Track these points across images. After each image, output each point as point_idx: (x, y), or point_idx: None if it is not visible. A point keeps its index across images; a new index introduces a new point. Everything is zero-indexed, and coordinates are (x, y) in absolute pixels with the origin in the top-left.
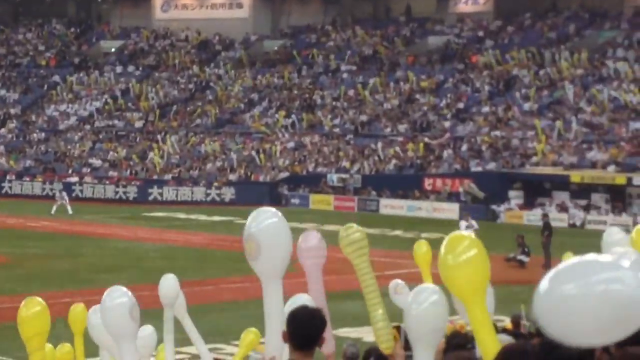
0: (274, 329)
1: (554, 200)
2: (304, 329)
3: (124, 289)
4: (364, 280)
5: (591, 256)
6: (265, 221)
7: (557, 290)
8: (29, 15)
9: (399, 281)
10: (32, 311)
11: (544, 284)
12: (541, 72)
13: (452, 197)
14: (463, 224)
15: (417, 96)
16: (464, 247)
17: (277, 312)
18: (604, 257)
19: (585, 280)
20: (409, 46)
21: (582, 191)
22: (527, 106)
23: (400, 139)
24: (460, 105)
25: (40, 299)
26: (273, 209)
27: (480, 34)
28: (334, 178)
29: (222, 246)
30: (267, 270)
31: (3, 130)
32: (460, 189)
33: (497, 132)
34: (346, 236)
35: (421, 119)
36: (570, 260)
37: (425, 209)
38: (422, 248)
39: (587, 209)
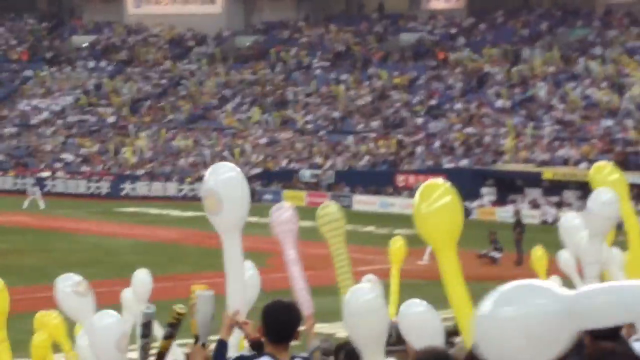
0: (235, 282)
1: (526, 197)
2: (280, 323)
3: (113, 312)
4: (338, 260)
5: (528, 281)
6: (224, 174)
7: (496, 313)
8: (0, 9)
9: (371, 276)
10: None
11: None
12: (514, 70)
13: None
14: None
15: (390, 93)
16: (438, 194)
17: (237, 266)
18: (539, 282)
19: (519, 302)
20: (381, 43)
21: (554, 188)
22: (499, 103)
23: (373, 135)
24: (433, 102)
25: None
26: (230, 164)
27: (453, 31)
28: (306, 174)
29: (194, 241)
30: (228, 224)
31: None
32: None
33: (470, 129)
34: (323, 215)
35: (394, 116)
36: (506, 285)
37: (398, 205)
38: (396, 244)
39: (559, 205)
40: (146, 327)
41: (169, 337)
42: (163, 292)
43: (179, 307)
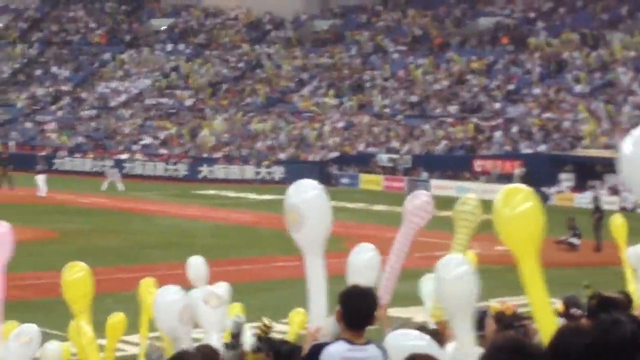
0: (317, 299)
1: (606, 183)
2: (356, 309)
3: (175, 288)
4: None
5: None
6: (307, 192)
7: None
8: None
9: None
10: (76, 276)
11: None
12: (593, 54)
13: (503, 178)
14: None
15: (468, 77)
16: (520, 199)
17: (319, 283)
18: None
19: None
20: (459, 27)
21: None
22: (578, 88)
23: (450, 119)
24: (511, 86)
25: (83, 264)
26: (313, 181)
27: (532, 15)
28: (384, 158)
29: (271, 224)
30: (309, 242)
31: (54, 107)
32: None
33: (548, 114)
34: (458, 206)
35: (472, 101)
36: None
37: (475, 190)
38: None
39: None
40: (236, 338)
41: (258, 350)
42: (240, 274)
43: (267, 320)
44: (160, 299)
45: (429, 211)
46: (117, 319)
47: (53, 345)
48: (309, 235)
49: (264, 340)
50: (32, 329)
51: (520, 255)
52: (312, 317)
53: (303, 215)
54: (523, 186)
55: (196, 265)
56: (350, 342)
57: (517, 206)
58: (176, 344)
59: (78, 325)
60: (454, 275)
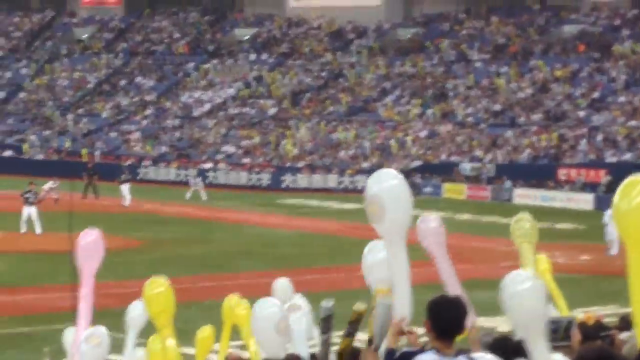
0: (402, 288)
1: None
2: (446, 319)
3: (273, 300)
4: (523, 264)
5: None
6: (387, 182)
7: None
8: (164, 3)
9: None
10: (156, 291)
11: None
12: None
13: (587, 187)
14: (607, 214)
15: (552, 85)
16: (638, 191)
17: (403, 272)
18: None
19: None
20: (543, 35)
21: None
22: None
23: (534, 128)
24: (596, 94)
25: (164, 279)
26: (392, 170)
27: (617, 22)
28: (467, 167)
29: (354, 234)
30: (392, 231)
31: (139, 116)
32: None
33: (634, 122)
34: (515, 223)
35: (555, 109)
36: None
37: (559, 199)
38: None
39: None
40: (326, 322)
41: (350, 335)
42: (322, 283)
43: (359, 305)
44: (259, 311)
45: (443, 233)
46: (206, 333)
47: (138, 353)
48: (391, 225)
49: (356, 325)
50: (101, 331)
51: (632, 246)
52: (396, 307)
53: (384, 205)
54: None
55: (282, 288)
56: (440, 352)
57: (635, 198)
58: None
59: (162, 341)
60: (522, 291)
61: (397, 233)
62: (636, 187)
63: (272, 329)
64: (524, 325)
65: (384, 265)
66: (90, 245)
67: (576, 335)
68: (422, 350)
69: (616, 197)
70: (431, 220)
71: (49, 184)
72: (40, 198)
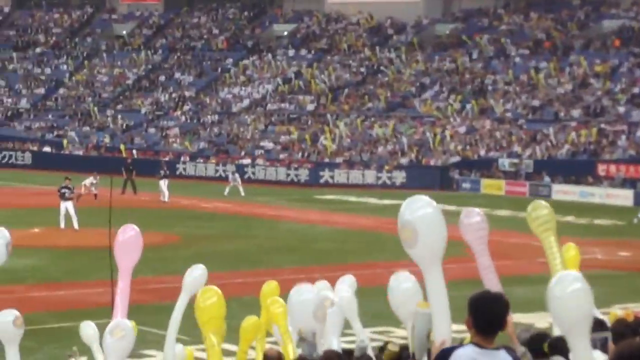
0: (440, 314)
1: None
2: (488, 314)
3: (310, 287)
4: (550, 255)
5: None
6: (420, 210)
7: None
8: None
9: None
10: (208, 302)
11: None
12: None
13: (627, 183)
14: None
15: (591, 81)
16: None
17: (440, 297)
18: None
19: None
20: (583, 30)
21: None
22: None
23: (573, 124)
24: (636, 90)
25: (215, 289)
26: (427, 198)
27: None
28: (505, 163)
29: (392, 230)
30: (425, 257)
31: (178, 112)
32: None
33: None
34: (533, 211)
35: (595, 104)
36: None
37: (598, 195)
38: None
39: None
40: None
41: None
42: (359, 279)
43: (394, 346)
44: (296, 297)
45: (486, 228)
46: (251, 321)
47: (176, 348)
48: (424, 252)
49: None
50: (126, 324)
51: None
52: (437, 332)
53: (417, 233)
54: None
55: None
56: (480, 346)
57: None
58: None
59: (208, 338)
60: (568, 293)
61: (430, 259)
62: None
63: (309, 314)
64: (569, 326)
65: (411, 296)
66: (128, 241)
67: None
68: (460, 345)
69: None
70: (475, 215)
71: (90, 180)
72: (79, 193)
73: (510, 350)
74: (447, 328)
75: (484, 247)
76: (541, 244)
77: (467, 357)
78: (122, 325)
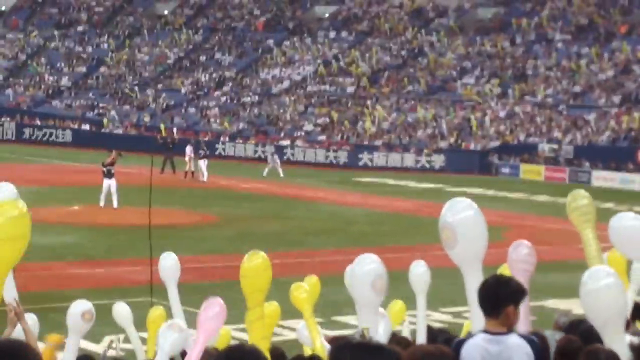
0: (477, 313)
1: None
2: (489, 297)
3: (374, 257)
4: (587, 248)
5: None
6: (461, 212)
7: None
8: None
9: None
10: (254, 264)
11: None
12: None
13: None
14: None
15: (634, 67)
16: None
17: (474, 297)
18: None
19: None
20: (626, 15)
21: None
22: None
23: (614, 110)
24: None
25: (264, 255)
26: (468, 200)
27: None
28: (545, 148)
29: (430, 213)
30: (464, 259)
31: (218, 92)
32: None
33: None
34: (573, 201)
35: (637, 91)
36: None
37: (638, 182)
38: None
39: None
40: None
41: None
42: (397, 262)
43: None
44: (357, 266)
45: (534, 262)
46: (273, 307)
47: None
48: (463, 254)
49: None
50: (82, 307)
51: None
52: (474, 327)
53: (457, 235)
54: None
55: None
56: (489, 332)
57: None
58: (362, 314)
59: (253, 310)
60: (601, 287)
61: (469, 261)
62: None
63: (368, 285)
64: (602, 323)
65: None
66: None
67: None
68: (470, 336)
69: None
70: (523, 247)
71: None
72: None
73: (525, 334)
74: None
75: (525, 279)
76: (580, 234)
77: (476, 347)
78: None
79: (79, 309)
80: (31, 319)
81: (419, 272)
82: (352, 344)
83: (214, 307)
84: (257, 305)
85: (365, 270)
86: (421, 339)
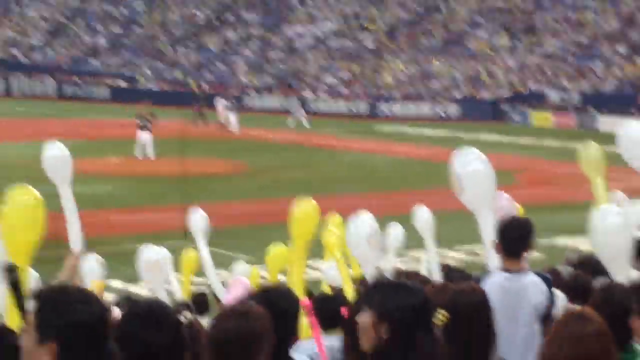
0: (492, 254)
1: None
2: (511, 239)
3: (368, 215)
4: (596, 194)
5: None
6: (470, 165)
7: None
8: None
9: (620, 194)
10: (304, 209)
11: None
12: None
13: None
14: None
15: (637, 18)
16: None
17: (488, 235)
18: None
19: None
20: None
21: None
22: None
23: (619, 59)
24: None
25: (314, 202)
26: (476, 152)
27: None
28: (554, 96)
29: (446, 159)
30: (473, 204)
31: (245, 49)
32: None
33: None
34: (584, 151)
35: None
36: None
37: None
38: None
39: None
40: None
41: None
42: (413, 204)
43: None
44: (352, 224)
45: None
46: (277, 250)
47: (242, 267)
48: (472, 200)
49: None
50: (155, 253)
51: None
52: (490, 262)
53: (465, 185)
54: None
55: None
56: (508, 271)
57: None
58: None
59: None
60: (609, 225)
61: (478, 205)
62: None
63: (364, 242)
64: (609, 259)
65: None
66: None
67: None
68: (489, 273)
69: None
70: (503, 199)
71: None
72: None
73: (540, 272)
74: (497, 262)
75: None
76: (590, 182)
77: (496, 285)
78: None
79: (149, 256)
80: (96, 260)
81: (424, 216)
82: (382, 283)
83: (238, 285)
84: (302, 247)
85: (359, 231)
86: (436, 276)
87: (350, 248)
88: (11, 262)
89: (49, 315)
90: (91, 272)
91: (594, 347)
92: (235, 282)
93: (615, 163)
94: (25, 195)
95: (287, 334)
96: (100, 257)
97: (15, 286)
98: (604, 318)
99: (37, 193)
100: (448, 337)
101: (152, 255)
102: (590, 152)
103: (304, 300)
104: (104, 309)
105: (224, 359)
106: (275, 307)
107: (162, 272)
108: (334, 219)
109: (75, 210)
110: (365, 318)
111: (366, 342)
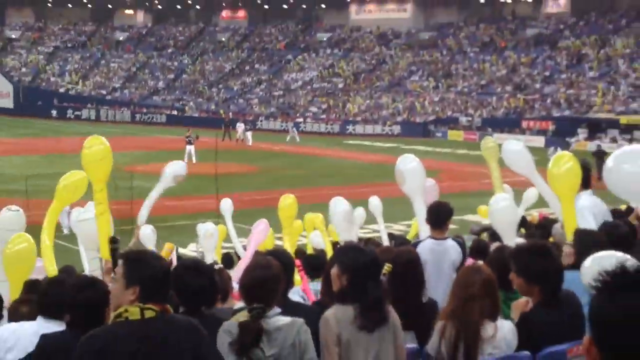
0: (424, 227)
1: (608, 135)
2: (436, 213)
3: (342, 199)
4: (493, 176)
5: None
6: (409, 164)
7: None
8: (273, 17)
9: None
10: (287, 202)
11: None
12: (602, 51)
13: (541, 132)
14: (551, 149)
15: (519, 68)
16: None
17: (422, 214)
18: None
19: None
20: (513, 35)
21: (628, 129)
22: (591, 74)
23: (506, 95)
24: (547, 73)
25: (293, 196)
26: (412, 155)
27: (562, 27)
28: (463, 120)
29: (392, 162)
30: (410, 192)
31: (257, 89)
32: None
33: (571, 91)
34: (485, 143)
35: (520, 82)
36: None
37: (522, 140)
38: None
39: (630, 141)
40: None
41: None
42: (373, 193)
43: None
44: (332, 205)
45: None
46: (297, 224)
47: (209, 226)
48: (410, 189)
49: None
50: (211, 226)
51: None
52: (421, 233)
53: (404, 178)
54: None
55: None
56: (435, 238)
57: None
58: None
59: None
60: (500, 208)
61: (414, 193)
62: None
63: (342, 219)
64: (501, 230)
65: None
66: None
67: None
68: (420, 241)
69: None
70: (430, 182)
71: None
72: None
73: (456, 238)
74: (427, 232)
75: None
76: (488, 167)
77: (426, 247)
78: (210, 228)
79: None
80: (150, 229)
81: (375, 202)
82: (345, 246)
83: (261, 224)
84: (289, 226)
85: (337, 210)
86: (385, 241)
87: (331, 222)
88: (114, 235)
89: (134, 268)
90: (147, 238)
91: (480, 289)
92: (259, 222)
93: (503, 165)
94: (100, 144)
95: (287, 281)
96: (153, 227)
97: (114, 252)
98: (496, 270)
99: (105, 141)
100: (392, 283)
101: (209, 227)
102: (488, 143)
103: (296, 260)
104: (167, 265)
105: (254, 297)
106: (280, 261)
107: (214, 239)
108: (318, 215)
109: (154, 200)
110: (333, 270)
111: (335, 287)
